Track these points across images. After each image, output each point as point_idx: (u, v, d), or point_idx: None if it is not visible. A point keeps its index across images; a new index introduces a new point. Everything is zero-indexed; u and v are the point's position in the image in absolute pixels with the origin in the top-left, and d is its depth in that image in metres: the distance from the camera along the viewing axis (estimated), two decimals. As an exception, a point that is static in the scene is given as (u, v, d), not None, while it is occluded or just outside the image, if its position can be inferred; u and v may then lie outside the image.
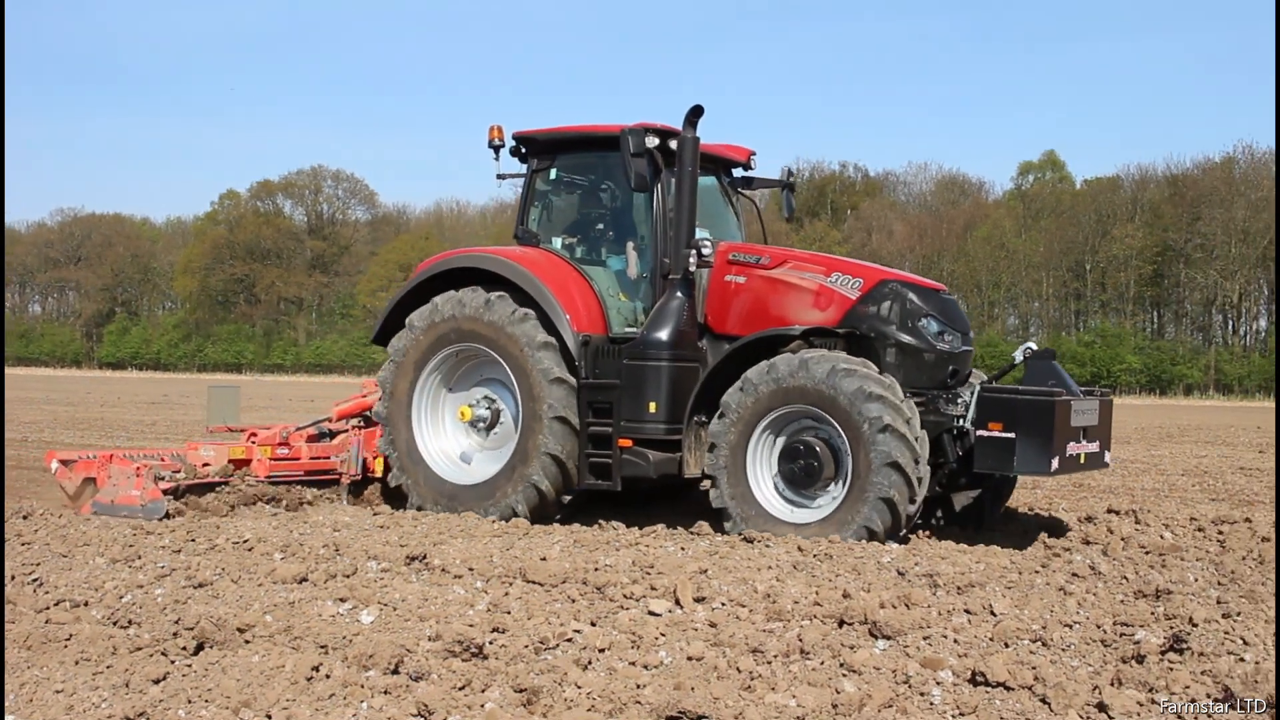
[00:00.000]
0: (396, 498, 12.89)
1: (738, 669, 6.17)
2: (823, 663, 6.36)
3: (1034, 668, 6.17)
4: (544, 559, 8.89)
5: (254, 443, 13.06)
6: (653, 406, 11.62)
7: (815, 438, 10.79)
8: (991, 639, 6.88)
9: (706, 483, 11.32)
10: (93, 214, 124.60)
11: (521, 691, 5.77)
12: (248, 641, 6.72)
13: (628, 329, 12.32)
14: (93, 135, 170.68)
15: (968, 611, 7.50)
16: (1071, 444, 10.67)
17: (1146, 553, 10.21)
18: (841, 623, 7.16)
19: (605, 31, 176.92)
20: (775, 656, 6.43)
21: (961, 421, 11.00)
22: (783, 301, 11.67)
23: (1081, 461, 10.98)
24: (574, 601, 7.74)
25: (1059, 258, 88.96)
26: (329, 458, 13.25)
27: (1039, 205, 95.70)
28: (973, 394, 11.09)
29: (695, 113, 11.53)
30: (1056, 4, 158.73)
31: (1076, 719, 5.55)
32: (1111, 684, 6.02)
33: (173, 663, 6.37)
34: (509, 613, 7.31)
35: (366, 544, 9.62)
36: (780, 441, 11.02)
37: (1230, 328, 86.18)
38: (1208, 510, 13.49)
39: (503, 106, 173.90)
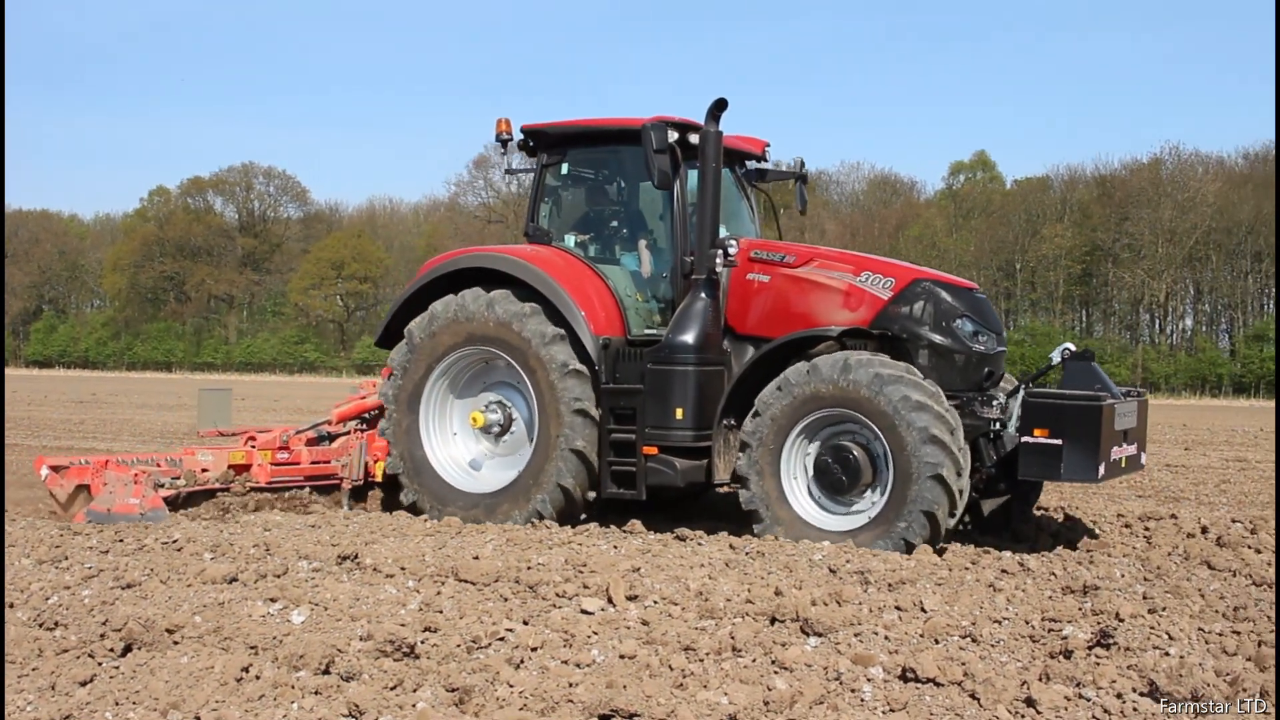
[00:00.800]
0: (400, 503, 12.43)
1: (670, 667, 6.18)
2: (755, 660, 6.38)
3: (964, 664, 6.22)
4: (476, 558, 8.87)
5: (254, 447, 12.67)
6: (679, 413, 11.21)
7: (853, 443, 10.47)
8: (922, 635, 6.94)
9: (737, 485, 10.94)
10: (19, 210, 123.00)
11: (453, 691, 5.76)
12: (176, 642, 6.66)
13: (647, 331, 11.99)
14: (18, 130, 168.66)
15: (898, 608, 7.55)
16: (1115, 448, 10.38)
17: (1074, 549, 10.33)
18: (774, 620, 7.19)
19: (537, 27, 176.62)
20: (707, 654, 6.45)
21: (998, 425, 10.74)
22: (810, 301, 11.31)
23: (1123, 465, 10.69)
24: (506, 600, 7.73)
25: (989, 257, 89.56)
26: (329, 462, 12.88)
27: (970, 205, 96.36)
28: (1009, 396, 10.91)
29: (719, 106, 11.17)
30: (985, 3, 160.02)
31: (1005, 714, 5.59)
32: (1040, 679, 6.07)
33: (100, 664, 6.31)
34: (441, 612, 7.29)
35: (297, 543, 9.56)
36: (815, 445, 10.70)
37: (1157, 326, 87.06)
38: (1134, 507, 13.67)
39: (436, 104, 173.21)
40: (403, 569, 8.57)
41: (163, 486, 11.49)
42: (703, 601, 7.59)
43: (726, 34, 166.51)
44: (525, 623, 7.10)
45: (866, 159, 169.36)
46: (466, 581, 8.20)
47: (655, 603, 7.66)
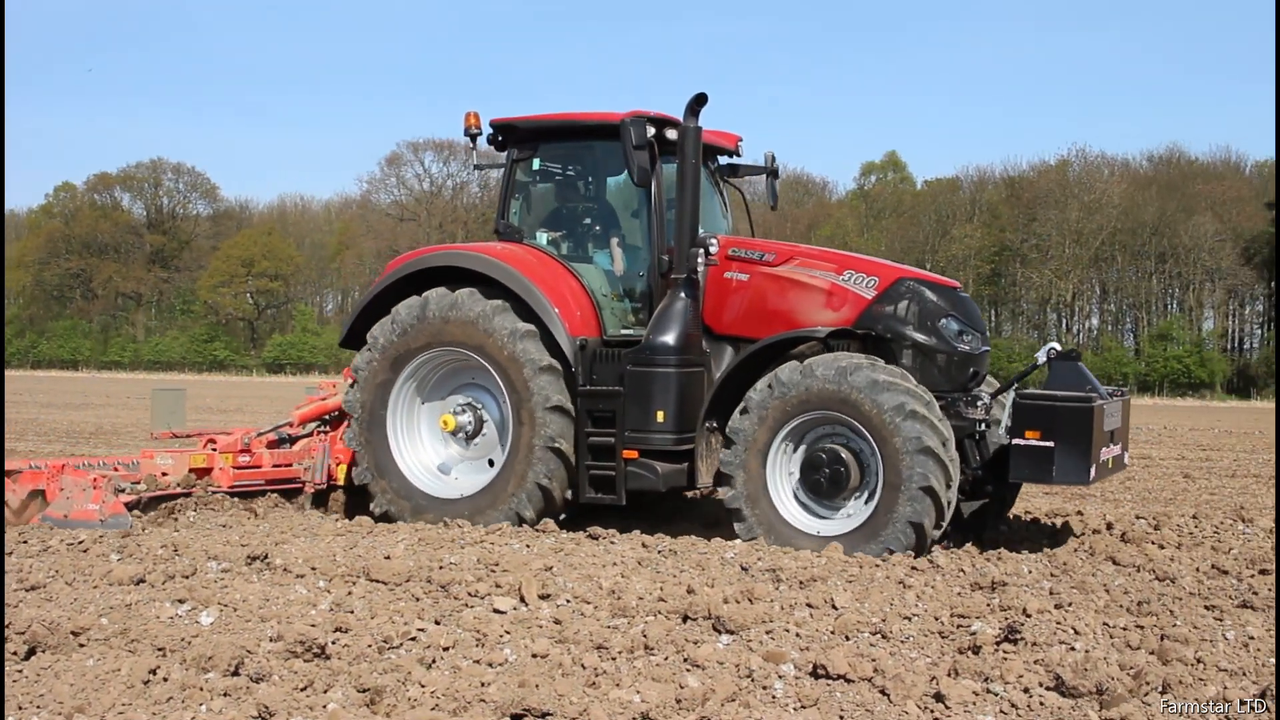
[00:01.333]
0: (363, 506, 12.09)
1: (582, 666, 6.19)
2: (667, 658, 6.40)
3: (874, 660, 6.27)
4: (388, 557, 8.82)
5: (215, 450, 12.16)
6: (661, 416, 10.92)
7: (842, 446, 10.22)
8: (833, 632, 6.99)
9: (721, 485, 10.67)
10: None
11: (364, 691, 5.72)
12: (82, 645, 6.56)
13: (624, 331, 11.72)
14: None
15: (810, 605, 7.60)
16: (1103, 449, 10.24)
17: (983, 546, 10.45)
18: (686, 618, 7.21)
19: (451, 22, 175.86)
20: (620, 653, 6.46)
21: (983, 426, 10.60)
22: (792, 300, 11.08)
23: (1110, 466, 10.57)
24: (418, 600, 7.69)
25: (900, 257, 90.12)
26: (291, 465, 12.49)
27: (881, 205, 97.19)
28: (993, 397, 10.84)
29: (698, 101, 10.93)
30: (897, 5, 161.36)
31: (915, 709, 5.65)
32: (948, 674, 6.14)
33: (3, 668, 6.21)
34: (352, 612, 7.24)
35: (206, 544, 9.46)
36: (803, 447, 10.45)
37: (1064, 326, 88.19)
38: (1041, 504, 13.85)
39: (348, 101, 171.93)
40: (313, 569, 8.52)
41: (123, 491, 11.04)
42: (615, 600, 7.60)
43: (635, 33, 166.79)
44: (437, 622, 7.08)
45: (779, 159, 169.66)
46: (378, 581, 8.15)
47: (568, 601, 7.66)
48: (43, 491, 11.23)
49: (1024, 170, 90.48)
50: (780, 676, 6.08)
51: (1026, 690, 5.85)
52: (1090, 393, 10.10)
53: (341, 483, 12.59)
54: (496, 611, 7.34)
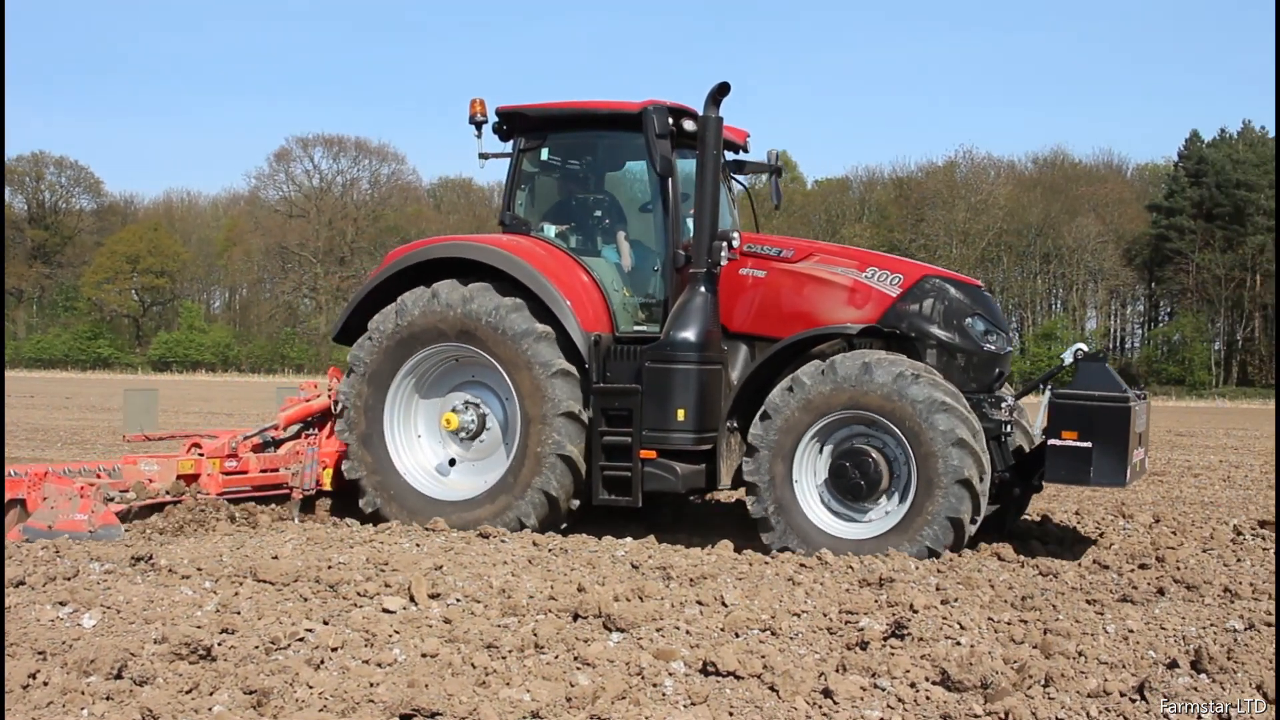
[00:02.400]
0: (350, 513, 11.71)
1: (472, 665, 6.16)
2: (557, 656, 6.39)
3: (763, 656, 6.31)
4: (275, 557, 8.73)
5: (201, 455, 11.42)
6: (681, 414, 10.54)
7: (870, 446, 9.99)
8: (723, 629, 7.02)
9: (748, 496, 10.33)
10: None
11: (251, 693, 5.65)
12: (-41, 649, 6.42)
13: (636, 327, 11.38)
14: None
15: (700, 603, 7.63)
16: (1135, 451, 10.01)
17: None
18: (576, 616, 7.21)
19: (331, 15, 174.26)
20: (510, 651, 6.44)
21: (1009, 428, 10.36)
22: (812, 298, 10.77)
23: (1138, 469, 10.33)
24: (306, 600, 7.62)
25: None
26: (278, 470, 11.82)
27: (770, 204, 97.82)
28: (1017, 398, 10.67)
29: (721, 91, 10.59)
30: (789, 6, 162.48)
31: (803, 705, 5.69)
32: (837, 670, 6.19)
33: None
34: (239, 613, 7.15)
35: (89, 545, 9.30)
36: (828, 449, 10.17)
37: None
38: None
39: (236, 96, 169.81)
40: (199, 569, 8.40)
41: (112, 500, 10.33)
42: (505, 599, 7.57)
43: (492, 27, 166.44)
44: (325, 622, 7.01)
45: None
46: (265, 581, 8.05)
47: (458, 601, 7.63)
48: (22, 501, 10.46)
49: (912, 171, 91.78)
50: (670, 674, 6.09)
51: (913, 685, 5.92)
52: (1124, 393, 9.89)
53: (328, 487, 12.06)
54: (386, 611, 7.29)
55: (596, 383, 10.84)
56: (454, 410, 11.38)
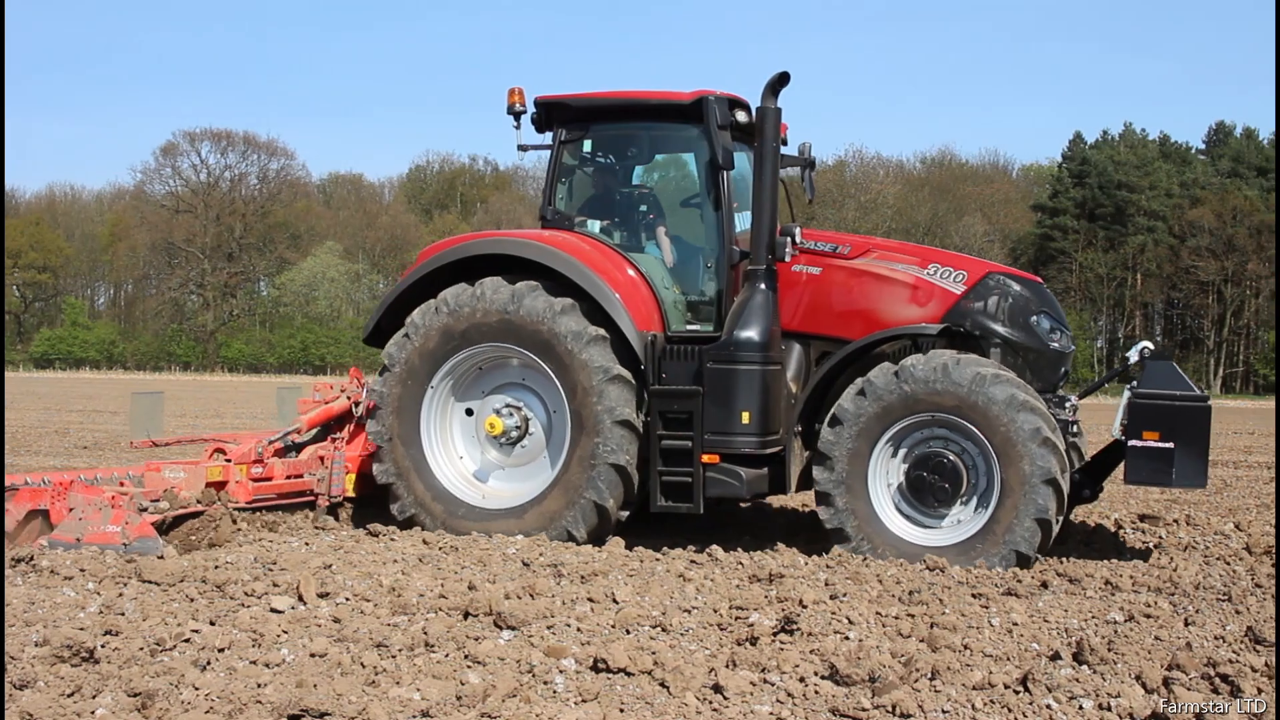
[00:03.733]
0: (368, 515, 11.24)
1: (362, 664, 6.12)
2: (448, 655, 6.36)
3: (654, 653, 6.32)
4: (161, 557, 8.60)
5: (229, 461, 10.77)
6: (746, 417, 10.08)
7: (946, 449, 9.73)
8: (613, 626, 7.03)
9: (819, 505, 9.99)
10: None
11: (136, 696, 5.57)
12: None
13: (689, 326, 10.88)
14: None
15: (591, 600, 7.64)
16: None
17: (760, 539, 10.61)
18: (467, 614, 7.18)
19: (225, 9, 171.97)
20: (400, 650, 6.40)
21: (1075, 427, 10.26)
22: (873, 295, 10.46)
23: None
24: (192, 601, 7.51)
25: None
26: (302, 475, 11.24)
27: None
28: (1080, 397, 10.51)
29: (780, 81, 10.25)
30: (678, 6, 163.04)
31: (694, 701, 5.71)
32: (727, 666, 6.22)
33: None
34: (123, 614, 7.04)
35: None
36: (900, 453, 9.89)
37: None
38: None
39: (119, 87, 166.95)
40: (82, 570, 8.25)
41: (146, 510, 9.60)
42: (396, 598, 7.53)
43: (407, 24, 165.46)
44: (212, 623, 6.92)
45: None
46: (150, 582, 7.93)
47: (347, 600, 7.57)
48: (45, 511, 9.75)
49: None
50: (561, 671, 6.10)
51: (802, 679, 5.97)
52: (1203, 393, 9.74)
53: (351, 494, 11.50)
54: (274, 611, 7.21)
55: (653, 385, 10.43)
56: (496, 414, 10.84)
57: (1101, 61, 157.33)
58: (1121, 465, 10.03)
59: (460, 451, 11.06)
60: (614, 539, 10.09)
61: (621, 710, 5.61)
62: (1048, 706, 5.66)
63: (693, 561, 9.27)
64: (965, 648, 6.59)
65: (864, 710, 5.56)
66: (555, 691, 5.84)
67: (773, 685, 5.92)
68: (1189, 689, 5.83)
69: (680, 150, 11.62)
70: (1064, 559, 9.66)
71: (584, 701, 5.69)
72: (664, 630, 6.98)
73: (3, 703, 5.54)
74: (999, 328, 10.26)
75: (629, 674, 6.06)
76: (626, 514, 10.57)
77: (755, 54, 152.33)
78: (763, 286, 10.29)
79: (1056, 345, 10.43)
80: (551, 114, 11.37)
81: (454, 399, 11.01)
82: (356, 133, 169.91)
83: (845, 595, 7.91)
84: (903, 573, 9.02)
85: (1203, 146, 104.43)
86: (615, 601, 7.61)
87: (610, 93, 11.22)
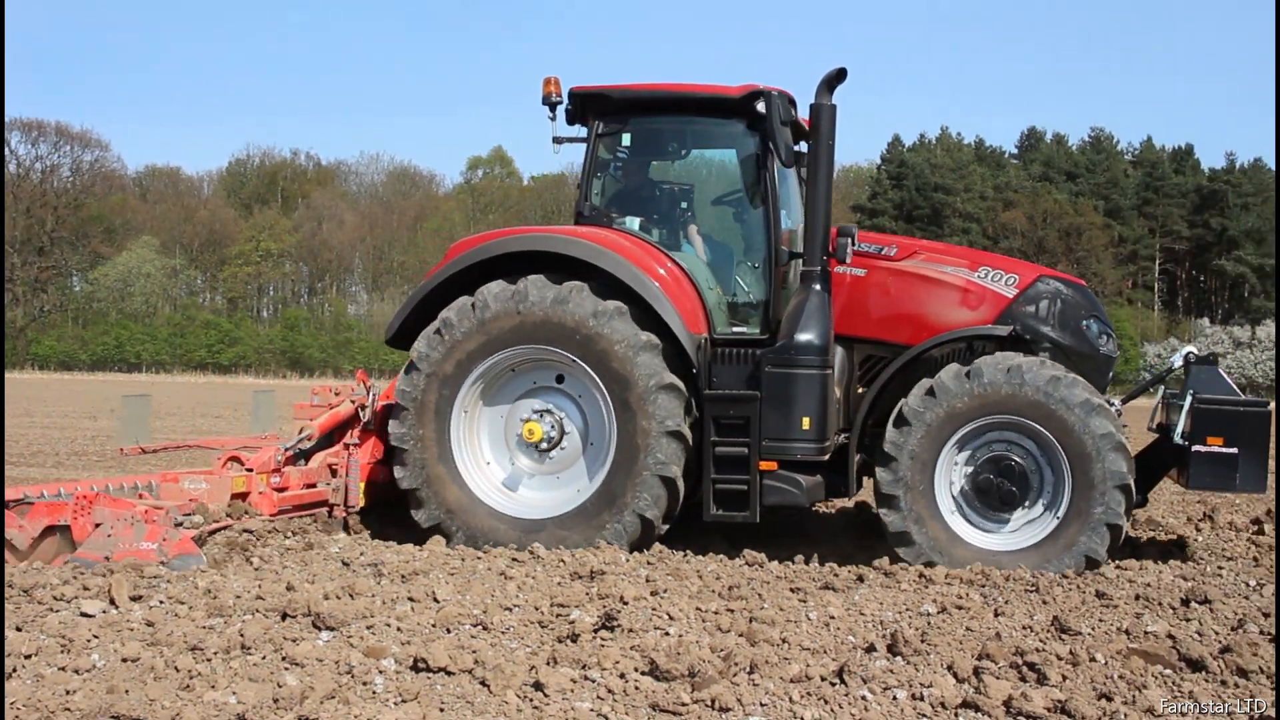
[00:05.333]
0: (403, 529, 10.58)
1: (176, 668, 6.00)
2: (265, 657, 6.27)
3: (474, 652, 6.31)
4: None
5: (251, 471, 10.17)
6: (806, 423, 9.75)
7: (1012, 452, 9.63)
8: (434, 625, 7.00)
9: (881, 507, 9.79)
10: None
11: (-64, 704, 5.40)
12: None
13: (734, 328, 10.52)
14: None
15: (411, 599, 7.59)
16: None
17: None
18: (285, 616, 7.09)
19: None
20: (216, 653, 6.29)
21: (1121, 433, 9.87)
22: (922, 298, 10.30)
23: None
24: (-2, 606, 7.29)
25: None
26: (316, 485, 10.69)
27: (488, 199, 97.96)
28: (1124, 401, 10.44)
29: (838, 77, 9.98)
30: (503, 5, 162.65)
31: (514, 699, 5.71)
32: (548, 663, 6.23)
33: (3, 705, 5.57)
34: (-77, 621, 6.81)
35: None
36: (964, 456, 9.75)
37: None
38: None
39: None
40: (-121, 576, 7.96)
41: (180, 525, 8.99)
42: (211, 599, 7.40)
43: (253, 20, 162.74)
44: (19, 629, 6.72)
45: (386, 151, 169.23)
46: (-48, 587, 7.68)
47: (161, 602, 7.41)
48: (65, 527, 8.98)
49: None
50: (381, 671, 6.05)
51: (623, 675, 6.00)
52: (1261, 399, 9.74)
53: (363, 504, 10.85)
54: (84, 615, 7.03)
55: (705, 390, 10.08)
56: (533, 419, 10.31)
57: (920, 65, 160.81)
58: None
59: (488, 458, 10.52)
60: (435, 537, 10.03)
61: (442, 710, 5.59)
62: (863, 698, 5.77)
63: (514, 560, 9.26)
64: (783, 641, 6.70)
65: (684, 705, 5.61)
66: (375, 692, 5.80)
67: (593, 682, 5.94)
68: (998, 678, 5.99)
69: (724, 146, 11.23)
70: (879, 553, 9.85)
71: (404, 701, 5.65)
72: (485, 629, 6.97)
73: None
74: (1051, 331, 10.21)
75: (449, 673, 6.04)
76: (668, 526, 10.18)
77: (577, 55, 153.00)
78: (818, 288, 10.00)
79: (1105, 350, 10.42)
80: (587, 106, 11.00)
81: (482, 402, 10.47)
82: (174, 125, 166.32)
83: (666, 591, 7.98)
84: (723, 568, 9.13)
85: (1015, 151, 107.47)
86: (436, 600, 7.57)
87: (653, 85, 10.87)
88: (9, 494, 9.17)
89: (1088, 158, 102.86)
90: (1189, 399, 9.78)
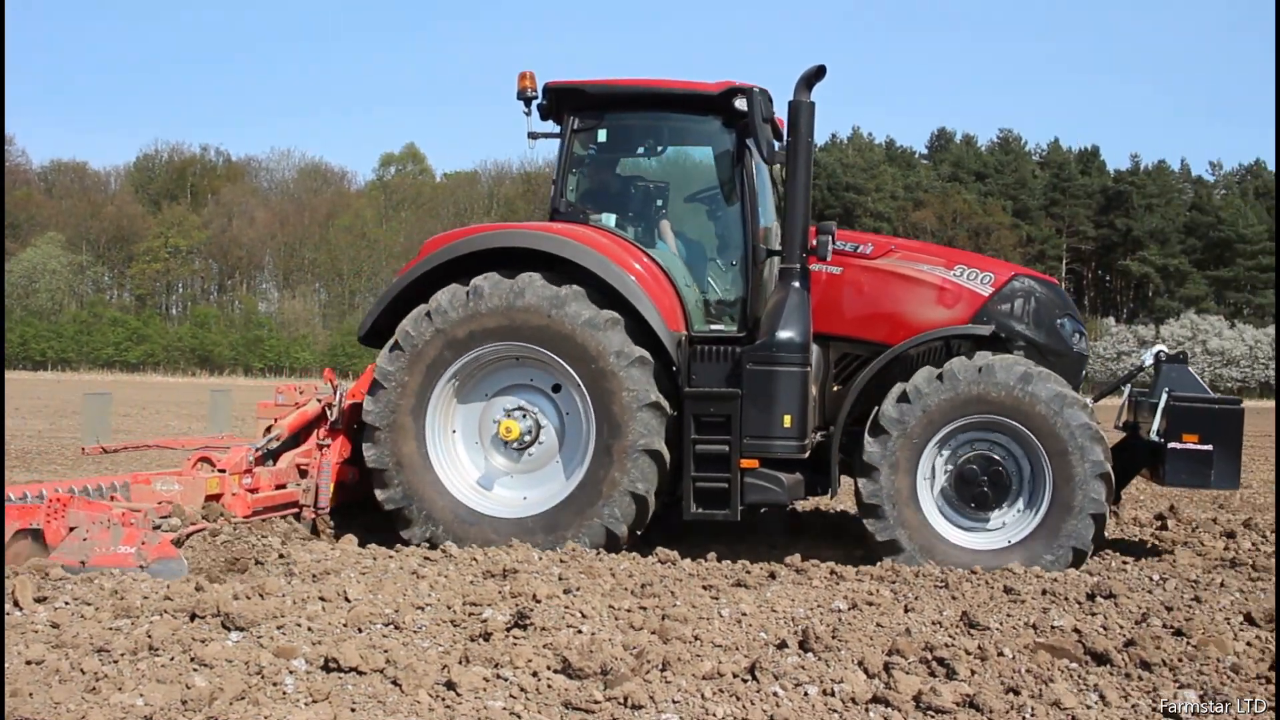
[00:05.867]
0: (377, 530, 10.41)
1: (81, 671, 5.92)
2: (173, 658, 6.21)
3: (386, 651, 6.28)
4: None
5: (224, 471, 9.81)
6: (788, 420, 9.74)
7: (991, 452, 9.67)
8: (345, 625, 6.95)
9: (860, 477, 9.77)
10: None
11: None
12: None
13: (711, 326, 10.48)
14: None
15: (322, 599, 7.53)
16: None
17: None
18: (194, 616, 7.01)
19: None
20: (122, 655, 6.22)
21: None
22: (898, 297, 10.28)
23: None
24: (-104, 608, 7.15)
25: (419, 248, 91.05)
26: (286, 485, 10.40)
27: (400, 196, 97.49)
28: (1095, 400, 10.38)
29: (817, 74, 9.91)
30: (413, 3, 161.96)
31: (426, 698, 5.69)
32: (460, 662, 6.22)
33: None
34: None
35: None
36: (943, 458, 9.75)
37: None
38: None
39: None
40: None
41: (159, 528, 8.62)
42: (119, 600, 7.30)
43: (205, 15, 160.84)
44: (-81, 632, 6.61)
45: (297, 146, 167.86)
46: None
47: (67, 604, 7.31)
48: (36, 531, 8.62)
49: (540, 166, 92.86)
50: (291, 671, 6.00)
51: (535, 674, 6.00)
52: (1234, 396, 9.70)
53: (332, 504, 10.59)
54: (-13, 617, 6.92)
55: (685, 388, 10.04)
56: (509, 416, 10.22)
57: (831, 65, 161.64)
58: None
59: (463, 459, 10.40)
60: (347, 535, 9.97)
61: (353, 710, 5.56)
62: (774, 694, 5.81)
63: (426, 558, 9.22)
64: (695, 638, 6.72)
65: (596, 703, 5.62)
66: (285, 692, 5.75)
67: (506, 681, 5.94)
68: (908, 673, 6.05)
69: (700, 143, 11.12)
70: (791, 550, 9.91)
71: (314, 702, 5.62)
72: (397, 628, 6.93)
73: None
74: (1026, 330, 10.26)
75: (361, 673, 6.01)
76: (639, 533, 10.16)
77: (503, 55, 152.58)
78: (797, 285, 10.01)
79: (1078, 348, 10.49)
80: (562, 101, 10.92)
81: (455, 402, 10.35)
82: (80, 119, 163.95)
83: (579, 589, 7.98)
84: (636, 566, 9.14)
85: (925, 151, 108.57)
86: (347, 600, 7.52)
87: (629, 80, 10.82)
88: None
89: (996, 158, 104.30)
90: (1164, 397, 9.94)
